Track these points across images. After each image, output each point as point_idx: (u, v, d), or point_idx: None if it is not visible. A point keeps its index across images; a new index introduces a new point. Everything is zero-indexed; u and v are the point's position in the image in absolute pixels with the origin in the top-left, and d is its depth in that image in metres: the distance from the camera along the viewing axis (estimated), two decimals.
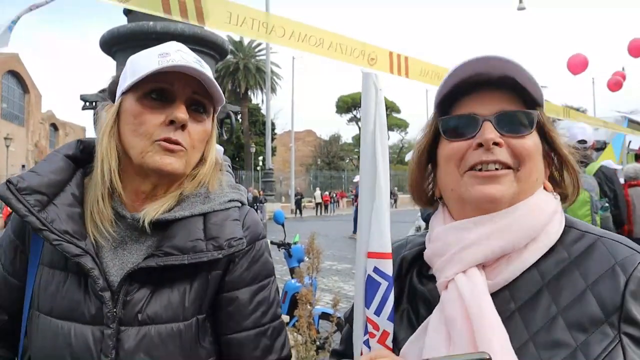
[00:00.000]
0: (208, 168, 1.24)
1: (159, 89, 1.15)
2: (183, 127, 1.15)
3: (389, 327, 0.98)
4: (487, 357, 0.77)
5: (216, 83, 1.18)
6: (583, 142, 4.65)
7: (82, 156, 1.24)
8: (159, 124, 1.13)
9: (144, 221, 1.14)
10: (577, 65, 11.81)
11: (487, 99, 0.99)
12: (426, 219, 7.14)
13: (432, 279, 1.01)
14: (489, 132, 0.95)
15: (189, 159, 1.18)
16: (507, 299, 0.92)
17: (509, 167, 0.95)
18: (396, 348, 0.98)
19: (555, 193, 1.02)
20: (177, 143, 1.14)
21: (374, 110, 1.03)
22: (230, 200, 1.24)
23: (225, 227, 1.18)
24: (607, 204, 4.27)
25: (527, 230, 0.93)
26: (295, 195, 36.29)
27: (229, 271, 1.20)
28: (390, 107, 69.95)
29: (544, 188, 1.01)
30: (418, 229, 9.87)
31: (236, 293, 1.20)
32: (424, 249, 1.06)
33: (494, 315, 0.87)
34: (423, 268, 1.06)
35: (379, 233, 0.99)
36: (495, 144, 0.95)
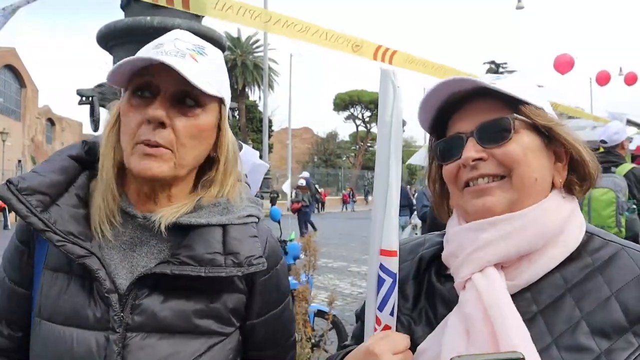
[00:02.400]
0: (224, 173, 1.18)
1: (145, 84, 1.08)
2: (163, 124, 1.05)
3: (391, 322, 1.01)
4: (521, 357, 0.76)
5: (215, 74, 1.11)
6: (603, 142, 4.51)
7: (88, 157, 1.18)
8: (139, 123, 1.06)
9: (159, 224, 1.09)
10: (564, 64, 11.90)
11: (471, 113, 1.00)
12: (422, 218, 7.16)
13: (451, 278, 1.01)
14: (467, 150, 0.96)
15: (180, 159, 1.09)
16: (528, 301, 0.92)
17: (502, 176, 0.95)
18: (413, 345, 0.99)
19: (564, 193, 1.00)
20: (156, 145, 1.05)
21: (390, 109, 1.01)
22: (248, 215, 1.18)
23: (244, 243, 1.12)
24: (634, 206, 4.16)
25: (542, 231, 0.92)
26: (270, 193, 36.11)
27: (252, 298, 1.17)
28: None
29: (553, 183, 0.99)
30: (414, 227, 9.91)
31: (260, 320, 1.20)
32: (442, 247, 1.06)
33: (515, 314, 0.87)
34: (441, 267, 1.06)
35: (387, 232, 1.02)
36: (479, 159, 0.95)
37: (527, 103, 0.97)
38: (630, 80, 15.61)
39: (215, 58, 1.15)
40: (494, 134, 0.96)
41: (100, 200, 1.11)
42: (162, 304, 1.07)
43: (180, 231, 1.11)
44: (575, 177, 1.00)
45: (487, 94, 0.98)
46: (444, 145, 1.03)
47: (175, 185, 1.15)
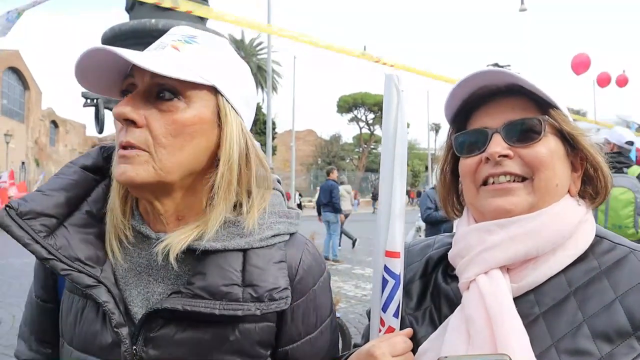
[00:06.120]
0: (229, 179, 0.98)
1: (128, 86, 0.97)
2: (134, 123, 0.92)
3: (394, 323, 1.00)
4: (507, 359, 0.76)
5: (206, 60, 0.97)
6: (630, 143, 4.56)
7: (107, 165, 1.06)
8: (121, 126, 0.95)
9: (168, 252, 0.96)
10: (580, 64, 11.98)
11: (498, 109, 0.98)
12: (426, 220, 7.13)
13: (457, 278, 1.00)
14: (495, 145, 0.95)
15: (160, 162, 0.93)
16: (531, 303, 0.91)
17: (523, 178, 0.94)
18: (416, 345, 0.98)
19: (579, 199, 0.99)
20: (127, 146, 0.93)
21: (395, 113, 1.01)
22: (274, 235, 1.03)
23: (267, 272, 0.98)
24: None
25: (552, 236, 0.91)
26: None
27: (284, 325, 1.03)
28: None
29: (569, 192, 0.98)
30: (418, 229, 9.89)
31: (295, 346, 1.06)
32: (450, 248, 1.05)
33: (515, 317, 0.87)
34: (448, 267, 1.06)
35: (392, 233, 1.01)
36: (504, 156, 0.94)
37: (557, 108, 0.97)
38: (621, 82, 15.81)
39: (210, 45, 1.01)
40: (522, 133, 0.95)
41: (111, 218, 1.02)
42: (178, 336, 0.96)
43: (196, 253, 0.99)
44: (590, 189, 1.01)
45: (518, 92, 0.97)
46: (466, 138, 1.01)
47: (176, 199, 1.00)
